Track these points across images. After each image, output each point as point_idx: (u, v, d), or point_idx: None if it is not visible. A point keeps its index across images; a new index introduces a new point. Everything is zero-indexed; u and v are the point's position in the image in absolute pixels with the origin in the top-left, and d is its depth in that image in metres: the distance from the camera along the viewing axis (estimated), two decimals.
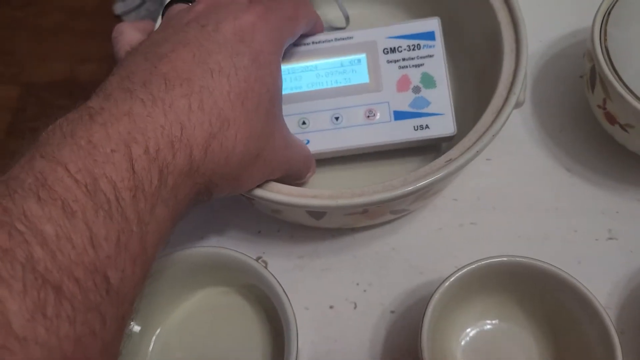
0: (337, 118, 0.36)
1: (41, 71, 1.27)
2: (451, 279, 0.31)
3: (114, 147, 0.22)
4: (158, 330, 0.35)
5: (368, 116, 0.36)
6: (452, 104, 0.36)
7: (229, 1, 0.30)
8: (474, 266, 0.32)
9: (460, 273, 0.31)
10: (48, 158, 0.21)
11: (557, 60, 0.45)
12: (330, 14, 0.44)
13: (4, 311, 0.17)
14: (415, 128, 0.36)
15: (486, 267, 0.32)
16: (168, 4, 0.32)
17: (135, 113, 0.23)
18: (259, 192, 0.31)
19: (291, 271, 0.38)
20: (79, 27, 1.31)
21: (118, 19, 1.29)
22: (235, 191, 0.30)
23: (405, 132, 0.36)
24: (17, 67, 1.28)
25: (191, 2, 0.32)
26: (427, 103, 0.36)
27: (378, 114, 0.36)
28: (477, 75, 0.40)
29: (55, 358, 0.18)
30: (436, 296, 0.31)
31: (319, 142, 0.36)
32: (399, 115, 0.36)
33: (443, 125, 0.36)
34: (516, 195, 0.40)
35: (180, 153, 0.24)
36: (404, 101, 0.36)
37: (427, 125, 0.36)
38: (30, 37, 1.32)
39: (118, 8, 1.30)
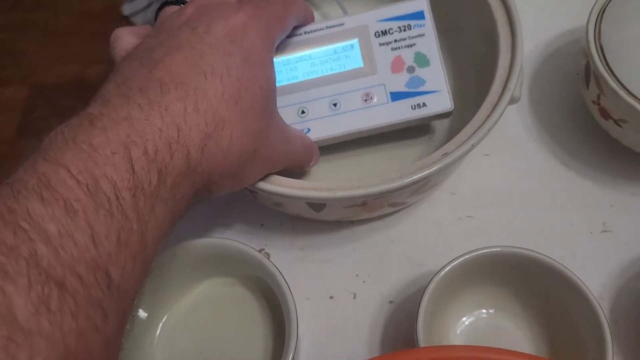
0: (335, 104, 0.37)
1: (51, 72, 1.28)
2: (446, 269, 0.32)
3: (113, 150, 0.23)
4: (165, 318, 0.35)
5: (365, 100, 0.36)
6: (447, 80, 0.36)
7: (218, 2, 0.30)
8: (468, 256, 0.32)
9: (455, 263, 0.32)
10: (51, 161, 0.22)
11: (554, 57, 0.45)
12: (331, 13, 0.45)
13: (10, 305, 0.18)
14: (413, 107, 0.36)
15: (481, 257, 0.32)
16: (160, 6, 0.33)
17: (134, 117, 0.24)
18: (260, 184, 0.32)
19: (293, 262, 0.39)
20: (88, 29, 1.32)
21: (126, 20, 1.30)
22: (236, 188, 0.30)
23: (403, 112, 0.36)
24: (27, 68, 1.29)
25: (183, 4, 0.32)
26: (423, 82, 0.36)
27: (375, 97, 0.36)
28: (477, 71, 0.40)
29: (58, 351, 0.19)
30: (432, 285, 0.32)
31: (320, 129, 0.36)
32: (396, 96, 0.36)
33: (440, 101, 0.36)
34: (513, 190, 0.41)
35: (177, 154, 0.25)
36: (399, 82, 0.36)
37: (424, 103, 0.36)
38: (41, 39, 1.33)
39: (126, 9, 1.31)
